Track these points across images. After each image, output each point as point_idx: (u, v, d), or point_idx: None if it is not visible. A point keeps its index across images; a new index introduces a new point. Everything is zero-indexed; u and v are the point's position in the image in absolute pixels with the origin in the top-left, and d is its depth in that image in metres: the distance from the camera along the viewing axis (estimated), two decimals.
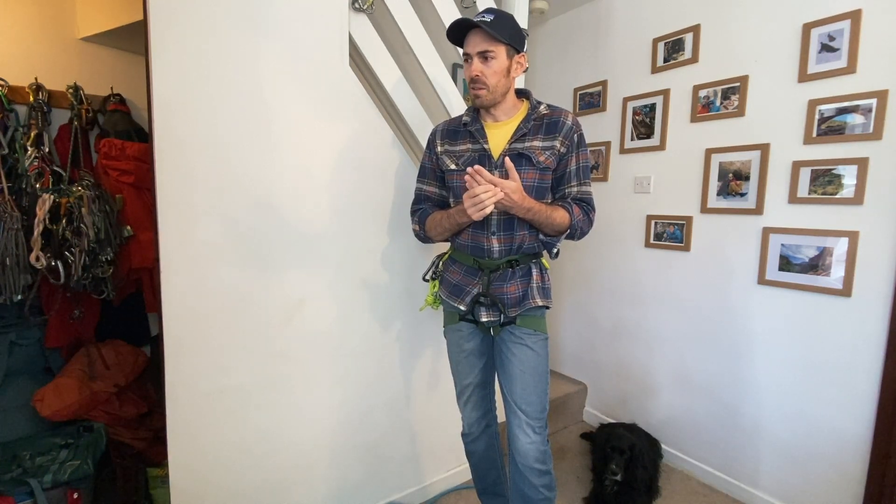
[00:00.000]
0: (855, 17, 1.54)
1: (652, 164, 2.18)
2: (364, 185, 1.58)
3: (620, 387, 2.40)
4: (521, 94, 1.36)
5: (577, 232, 1.31)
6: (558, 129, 1.27)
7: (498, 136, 1.31)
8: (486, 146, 1.29)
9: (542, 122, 1.29)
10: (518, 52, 1.27)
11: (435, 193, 1.45)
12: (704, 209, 1.98)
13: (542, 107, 1.31)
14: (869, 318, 1.56)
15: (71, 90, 1.86)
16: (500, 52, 1.22)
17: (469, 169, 1.13)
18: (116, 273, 1.79)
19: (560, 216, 1.25)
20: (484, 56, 1.22)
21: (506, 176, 1.17)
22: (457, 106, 1.80)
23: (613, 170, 2.37)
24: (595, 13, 2.41)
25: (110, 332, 1.98)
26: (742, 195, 1.85)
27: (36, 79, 1.79)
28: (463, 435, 1.54)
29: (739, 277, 1.88)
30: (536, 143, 1.27)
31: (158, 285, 1.23)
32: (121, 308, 1.95)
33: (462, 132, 1.36)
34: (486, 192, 1.12)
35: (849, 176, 1.57)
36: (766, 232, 1.78)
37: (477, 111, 1.36)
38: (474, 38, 1.22)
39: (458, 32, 1.25)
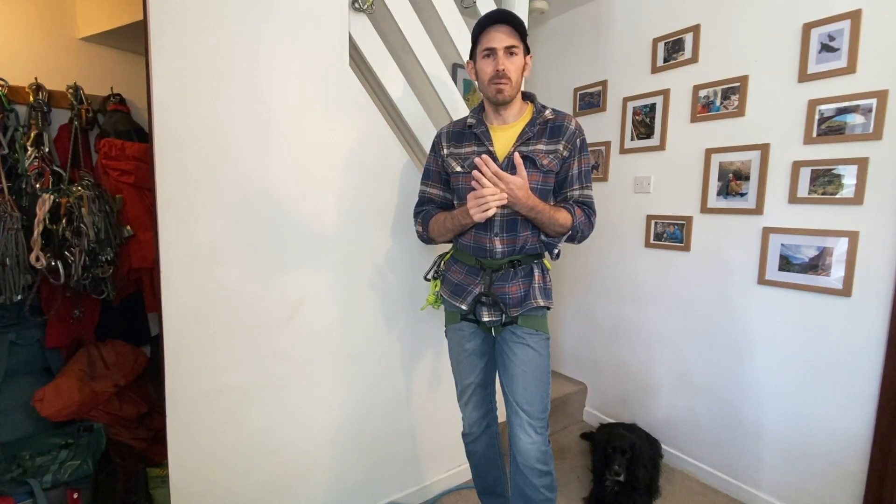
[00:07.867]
0: (855, 17, 1.54)
1: (652, 164, 2.18)
2: (364, 184, 1.58)
3: (620, 387, 2.40)
4: (526, 97, 1.37)
5: (578, 234, 1.32)
6: (562, 133, 1.29)
7: (503, 138, 1.31)
8: (491, 149, 1.30)
9: (546, 126, 1.30)
10: (528, 52, 1.30)
11: (438, 196, 1.45)
12: (704, 209, 1.98)
13: (546, 111, 1.32)
14: (869, 318, 1.56)
15: (71, 90, 1.86)
16: (521, 49, 1.26)
17: (477, 159, 1.14)
18: (116, 273, 1.79)
19: (563, 217, 1.26)
20: (510, 51, 1.24)
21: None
22: (457, 106, 1.80)
23: (613, 170, 2.37)
24: (595, 13, 2.41)
25: (110, 332, 1.98)
26: (742, 195, 1.85)
27: (36, 79, 1.79)
28: (463, 435, 1.54)
29: (739, 277, 1.88)
30: (540, 147, 1.28)
31: (158, 285, 1.23)
32: (121, 308, 1.95)
33: (467, 134, 1.36)
34: (493, 196, 1.13)
35: (849, 176, 1.57)
36: (766, 232, 1.78)
37: (482, 113, 1.36)
38: (499, 34, 1.23)
39: (483, 26, 1.26)
